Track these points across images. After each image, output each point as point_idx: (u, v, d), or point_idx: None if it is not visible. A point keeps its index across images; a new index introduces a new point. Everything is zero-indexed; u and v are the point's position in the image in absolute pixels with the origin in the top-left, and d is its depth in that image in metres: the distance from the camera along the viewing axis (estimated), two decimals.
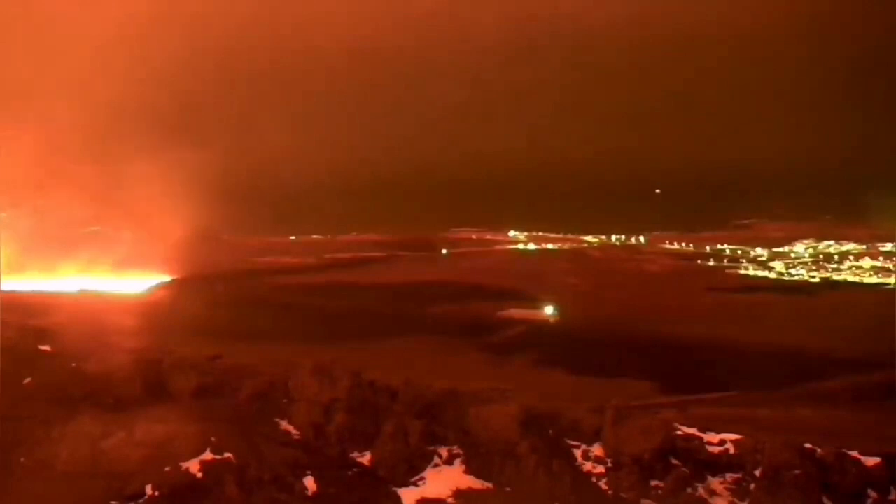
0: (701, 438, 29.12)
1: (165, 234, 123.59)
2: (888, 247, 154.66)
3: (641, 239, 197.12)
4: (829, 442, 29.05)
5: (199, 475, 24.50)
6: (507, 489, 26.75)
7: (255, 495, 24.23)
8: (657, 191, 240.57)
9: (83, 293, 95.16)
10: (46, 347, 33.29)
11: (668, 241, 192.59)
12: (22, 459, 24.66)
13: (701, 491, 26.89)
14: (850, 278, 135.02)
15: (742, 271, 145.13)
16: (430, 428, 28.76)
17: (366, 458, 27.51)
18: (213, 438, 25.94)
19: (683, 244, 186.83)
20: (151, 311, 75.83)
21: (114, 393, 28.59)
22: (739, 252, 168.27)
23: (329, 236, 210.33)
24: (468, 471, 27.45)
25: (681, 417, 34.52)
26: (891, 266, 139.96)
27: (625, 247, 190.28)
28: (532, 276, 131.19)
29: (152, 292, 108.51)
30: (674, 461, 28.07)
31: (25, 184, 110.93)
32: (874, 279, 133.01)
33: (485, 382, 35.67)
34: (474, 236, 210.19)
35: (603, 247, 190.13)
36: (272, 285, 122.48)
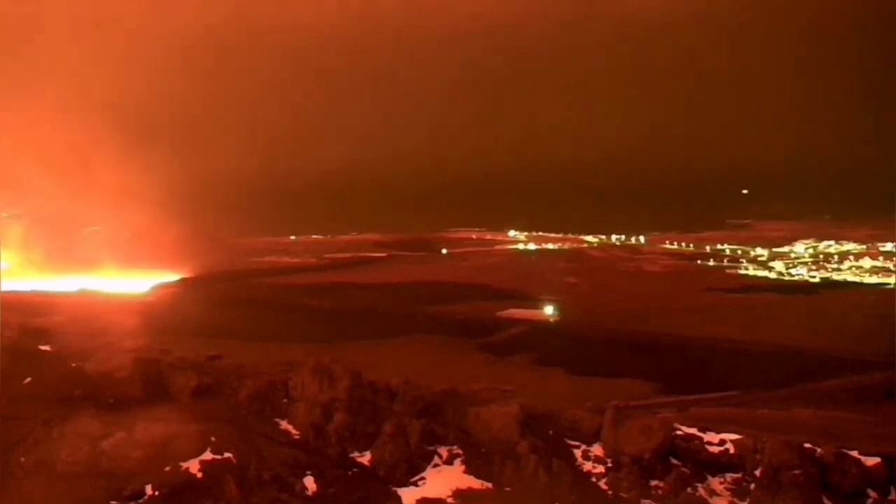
0: (701, 438, 29.12)
1: (166, 234, 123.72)
2: (888, 247, 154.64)
3: (641, 239, 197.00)
4: (829, 442, 29.05)
5: (199, 475, 24.51)
6: (507, 489, 26.76)
7: (255, 495, 24.25)
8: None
9: (83, 293, 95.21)
10: (46, 347, 33.25)
11: (668, 241, 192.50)
12: (22, 459, 24.65)
13: (701, 491, 26.91)
14: (850, 278, 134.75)
15: (742, 271, 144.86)
16: (430, 428, 28.78)
17: (366, 458, 27.52)
18: (213, 438, 25.95)
19: (683, 244, 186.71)
20: (151, 311, 75.77)
21: (114, 393, 28.57)
22: (739, 252, 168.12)
23: (329, 236, 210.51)
24: (468, 471, 27.46)
25: (681, 417, 34.51)
26: (891, 266, 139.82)
27: (625, 247, 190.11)
28: (532, 276, 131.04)
29: (152, 292, 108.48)
30: (674, 461, 28.09)
31: (26, 184, 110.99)
32: (874, 279, 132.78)
33: (485, 382, 35.59)
34: (474, 236, 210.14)
35: (603, 247, 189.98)
36: (272, 285, 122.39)
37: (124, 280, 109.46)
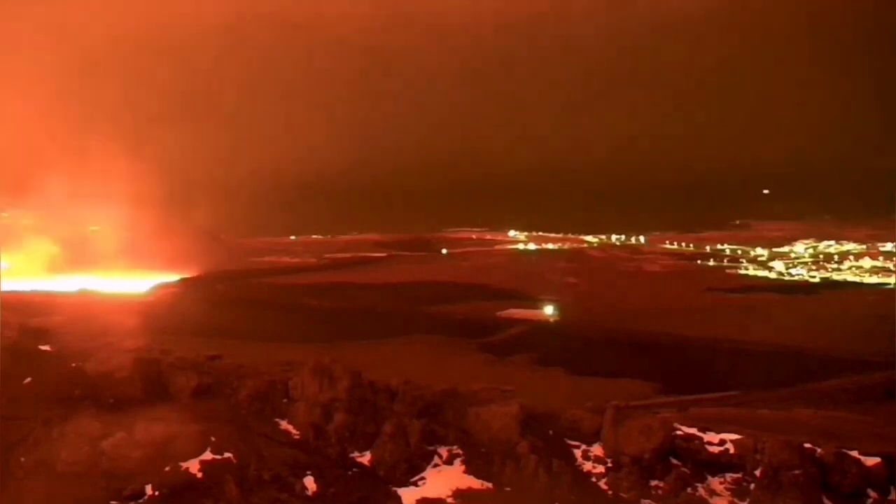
0: (701, 438, 29.12)
1: (166, 234, 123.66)
2: (888, 247, 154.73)
3: (641, 239, 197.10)
4: (829, 442, 29.05)
5: (199, 475, 24.52)
6: (507, 489, 26.76)
7: (255, 495, 24.25)
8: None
9: (83, 293, 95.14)
10: (46, 347, 33.26)
11: (668, 241, 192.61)
12: (22, 459, 24.66)
13: (701, 491, 26.91)
14: (850, 278, 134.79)
15: (742, 271, 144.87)
16: (430, 428, 28.78)
17: (366, 458, 27.52)
18: (213, 438, 25.96)
19: (683, 244, 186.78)
20: (151, 311, 75.68)
21: (114, 393, 28.58)
22: (739, 252, 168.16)
23: (329, 236, 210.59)
24: (468, 471, 27.46)
25: (681, 417, 34.49)
26: (891, 266, 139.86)
27: (625, 247, 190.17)
28: (532, 276, 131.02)
29: (152, 292, 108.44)
30: (674, 461, 28.09)
31: (26, 184, 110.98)
32: (874, 279, 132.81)
33: (485, 382, 35.59)
34: (474, 236, 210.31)
35: (603, 247, 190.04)
36: (272, 285, 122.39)
37: (124, 280, 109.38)
